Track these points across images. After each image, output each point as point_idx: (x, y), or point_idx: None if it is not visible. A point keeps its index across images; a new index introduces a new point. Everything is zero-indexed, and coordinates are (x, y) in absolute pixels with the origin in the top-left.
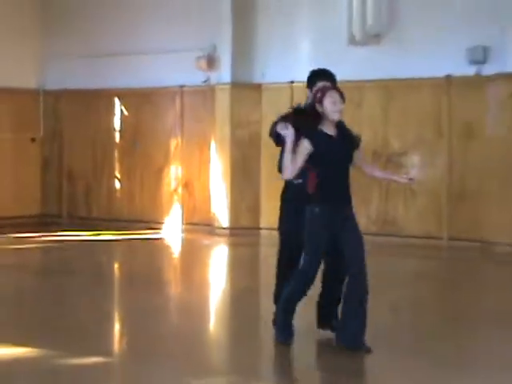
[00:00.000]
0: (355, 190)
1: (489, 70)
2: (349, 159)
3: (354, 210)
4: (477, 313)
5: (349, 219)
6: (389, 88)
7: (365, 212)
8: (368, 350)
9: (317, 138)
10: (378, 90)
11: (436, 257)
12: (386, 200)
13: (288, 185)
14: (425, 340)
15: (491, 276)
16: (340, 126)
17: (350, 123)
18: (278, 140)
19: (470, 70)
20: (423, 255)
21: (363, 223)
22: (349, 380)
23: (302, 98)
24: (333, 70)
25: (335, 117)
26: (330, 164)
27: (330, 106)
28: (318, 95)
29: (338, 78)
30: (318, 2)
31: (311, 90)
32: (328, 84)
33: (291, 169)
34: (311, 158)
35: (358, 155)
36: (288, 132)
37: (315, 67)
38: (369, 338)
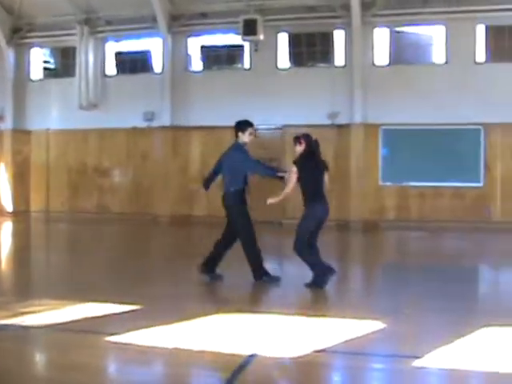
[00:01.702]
0: None
1: (156, 123)
2: None
3: None
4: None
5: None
6: (102, 134)
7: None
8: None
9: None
10: (97, 135)
11: (128, 224)
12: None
13: (236, 192)
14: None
15: (157, 232)
16: None
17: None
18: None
19: (145, 124)
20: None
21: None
22: None
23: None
24: (70, 124)
25: None
26: None
27: None
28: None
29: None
30: (61, 83)
31: (243, 133)
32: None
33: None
34: None
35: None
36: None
37: (64, 124)
38: None
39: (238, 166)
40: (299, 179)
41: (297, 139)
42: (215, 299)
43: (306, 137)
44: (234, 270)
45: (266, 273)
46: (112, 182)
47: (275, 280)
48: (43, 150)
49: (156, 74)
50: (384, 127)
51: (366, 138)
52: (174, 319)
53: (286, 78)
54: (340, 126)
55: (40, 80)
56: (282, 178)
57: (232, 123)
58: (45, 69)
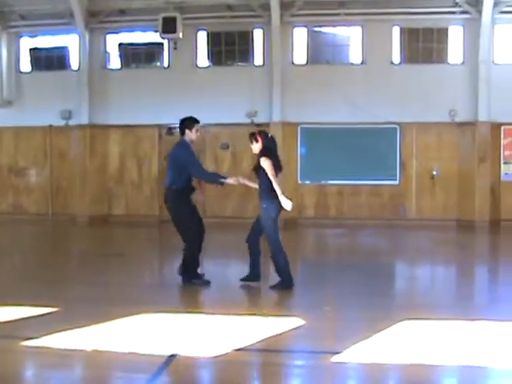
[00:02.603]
0: None
1: (73, 122)
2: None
3: None
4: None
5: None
6: (17, 132)
7: None
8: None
9: None
10: (12, 133)
11: (44, 225)
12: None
13: (178, 190)
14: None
15: (76, 233)
16: None
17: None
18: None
19: (62, 122)
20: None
21: None
22: None
23: None
24: None
25: None
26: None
27: None
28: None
29: None
30: None
31: (190, 130)
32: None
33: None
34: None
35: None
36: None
37: None
38: None
39: (182, 164)
40: (258, 176)
41: (253, 136)
42: (136, 300)
43: (263, 133)
44: (156, 270)
45: (197, 275)
46: (28, 182)
47: (205, 284)
48: None
49: (73, 70)
50: (302, 126)
51: (285, 136)
52: (92, 321)
53: (205, 76)
54: (259, 125)
55: None
56: (223, 184)
57: (151, 121)
58: None
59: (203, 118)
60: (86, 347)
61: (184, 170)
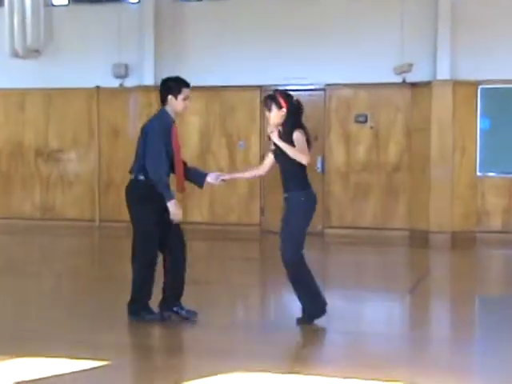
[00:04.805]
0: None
1: (130, 82)
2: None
3: None
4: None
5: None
6: (49, 95)
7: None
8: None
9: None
10: (41, 98)
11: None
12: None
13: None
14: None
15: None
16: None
17: (15, 125)
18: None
19: (115, 83)
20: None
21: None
22: None
23: None
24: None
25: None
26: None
27: None
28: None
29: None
30: None
31: (175, 97)
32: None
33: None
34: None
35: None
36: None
37: None
38: None
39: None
40: (282, 159)
41: (272, 100)
42: (223, 350)
43: (285, 95)
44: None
45: (147, 309)
46: (64, 172)
47: (162, 319)
48: None
49: (132, 3)
50: (484, 86)
51: (456, 103)
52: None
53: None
54: (414, 85)
55: None
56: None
57: (250, 82)
58: None
59: (332, 75)
60: None
61: None
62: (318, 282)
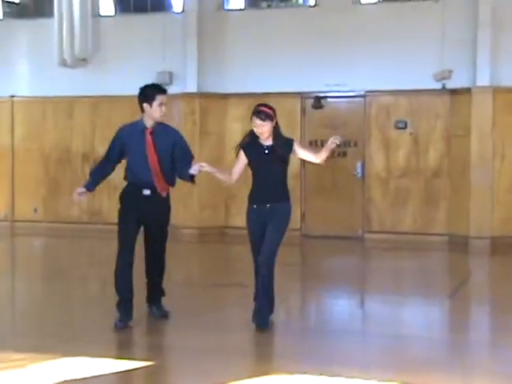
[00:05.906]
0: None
1: (174, 90)
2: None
3: None
4: None
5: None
6: (96, 103)
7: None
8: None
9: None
10: (87, 105)
11: None
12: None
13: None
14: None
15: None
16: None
17: (63, 131)
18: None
19: None
20: None
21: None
22: None
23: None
24: (48, 87)
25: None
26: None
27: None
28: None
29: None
30: (33, 32)
31: (150, 105)
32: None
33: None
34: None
35: (297, 153)
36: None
37: (36, 89)
38: None
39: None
40: (279, 167)
41: (263, 112)
42: (260, 353)
43: (271, 108)
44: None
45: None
46: (110, 177)
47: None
48: (5, 128)
49: (176, 13)
50: None
51: (497, 111)
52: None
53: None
54: (454, 91)
55: None
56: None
57: (290, 89)
58: (6, 2)
59: (363, 81)
60: None
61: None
62: (359, 285)
